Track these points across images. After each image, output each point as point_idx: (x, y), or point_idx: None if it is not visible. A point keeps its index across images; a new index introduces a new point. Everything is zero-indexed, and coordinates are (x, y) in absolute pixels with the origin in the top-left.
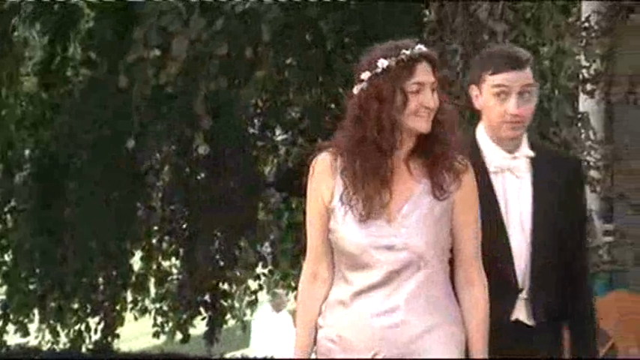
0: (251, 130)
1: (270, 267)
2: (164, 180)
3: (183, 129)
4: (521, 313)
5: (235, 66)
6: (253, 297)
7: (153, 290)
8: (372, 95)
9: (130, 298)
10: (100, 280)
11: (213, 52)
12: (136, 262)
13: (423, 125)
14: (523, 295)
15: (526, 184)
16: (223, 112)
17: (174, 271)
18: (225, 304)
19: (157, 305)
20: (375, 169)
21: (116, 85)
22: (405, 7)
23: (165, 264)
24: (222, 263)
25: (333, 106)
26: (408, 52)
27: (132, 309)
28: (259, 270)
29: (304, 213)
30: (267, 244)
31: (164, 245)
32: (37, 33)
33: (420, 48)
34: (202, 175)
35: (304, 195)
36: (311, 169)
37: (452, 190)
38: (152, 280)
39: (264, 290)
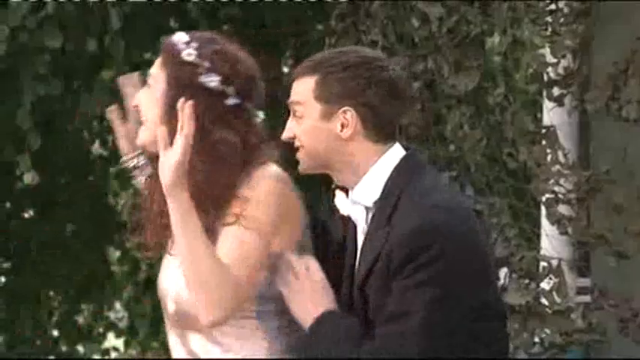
0: (98, 151)
1: (123, 337)
2: None
3: (2, 150)
4: None
5: (73, 64)
6: None
7: None
8: None
9: None
10: None
11: (43, 44)
12: None
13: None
14: None
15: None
16: (58, 127)
17: None
18: None
19: None
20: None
21: None
22: None
23: None
24: (56, 333)
25: None
26: None
27: None
28: (109, 342)
29: None
30: (119, 306)
31: None
32: None
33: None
34: (30, 212)
35: None
36: None
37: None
38: None
39: None
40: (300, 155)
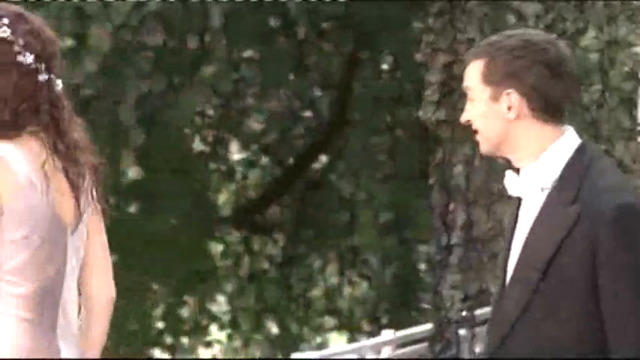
0: (198, 147)
1: (227, 330)
2: None
3: (105, 145)
4: None
5: (175, 60)
6: None
7: None
8: None
9: None
10: None
11: (145, 41)
12: None
13: None
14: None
15: (528, 220)
16: (160, 123)
17: None
18: None
19: None
20: None
21: None
22: None
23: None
24: (160, 326)
25: (307, 113)
26: None
27: None
28: (212, 335)
29: (269, 258)
30: (221, 299)
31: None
32: None
33: None
34: (133, 207)
35: (268, 232)
36: None
37: None
38: None
39: None
40: (478, 138)
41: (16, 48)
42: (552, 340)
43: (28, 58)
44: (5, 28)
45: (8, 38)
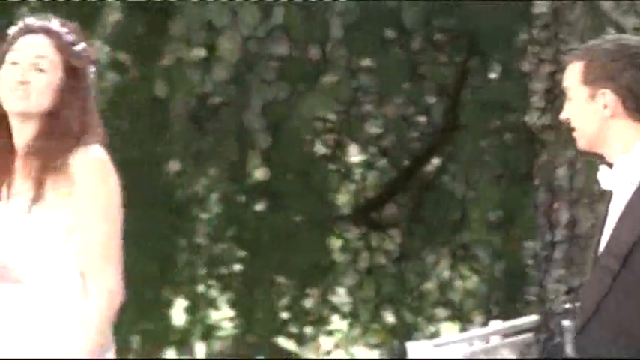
0: (319, 150)
1: (347, 320)
2: (211, 212)
3: (234, 148)
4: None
5: (298, 69)
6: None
7: (198, 349)
8: None
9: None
10: (133, 337)
11: (271, 51)
12: (178, 313)
13: (12, 104)
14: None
15: (618, 213)
16: (284, 128)
17: (226, 325)
18: None
19: None
20: None
21: (151, 93)
22: None
23: (215, 316)
24: (285, 316)
25: (422, 119)
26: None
27: None
28: (333, 325)
29: (385, 252)
30: (342, 291)
31: (212, 293)
32: None
33: (25, 23)
34: (259, 205)
35: (385, 229)
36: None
37: (56, 194)
38: (197, 336)
39: (342, 349)
40: (574, 135)
41: (87, 62)
42: (625, 335)
43: (93, 71)
44: (82, 44)
45: (83, 53)
